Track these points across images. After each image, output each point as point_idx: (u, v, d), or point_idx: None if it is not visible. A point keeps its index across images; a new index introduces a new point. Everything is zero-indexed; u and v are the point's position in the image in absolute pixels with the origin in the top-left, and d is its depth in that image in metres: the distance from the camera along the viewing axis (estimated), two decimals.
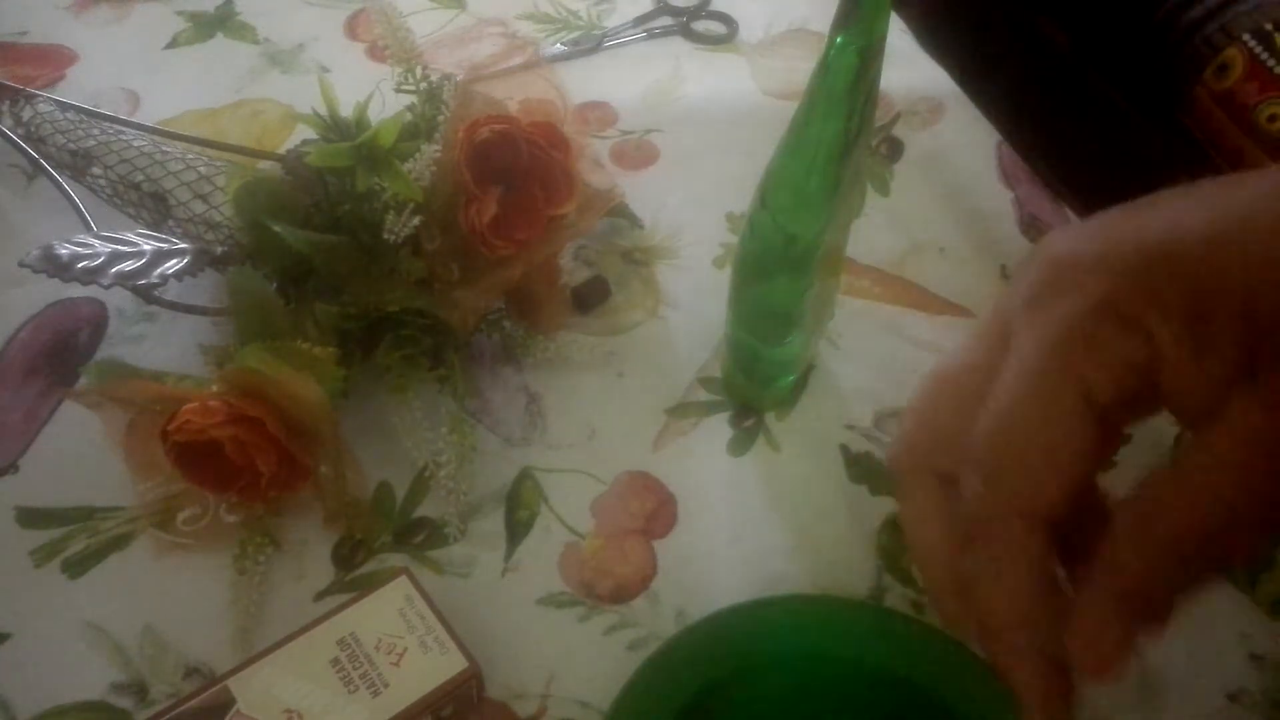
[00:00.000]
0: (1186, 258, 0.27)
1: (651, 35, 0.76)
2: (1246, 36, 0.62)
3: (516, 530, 0.50)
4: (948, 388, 0.33)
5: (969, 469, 0.30)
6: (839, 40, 0.40)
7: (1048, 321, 0.29)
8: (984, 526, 0.30)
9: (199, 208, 0.53)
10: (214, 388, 0.46)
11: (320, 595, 0.48)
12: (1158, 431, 0.33)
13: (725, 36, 0.76)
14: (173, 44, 0.74)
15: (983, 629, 0.31)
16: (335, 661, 0.43)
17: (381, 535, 0.50)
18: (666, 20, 0.77)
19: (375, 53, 0.74)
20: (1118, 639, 0.28)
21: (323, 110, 0.52)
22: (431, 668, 0.43)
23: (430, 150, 0.49)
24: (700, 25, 0.77)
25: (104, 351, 0.56)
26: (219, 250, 0.52)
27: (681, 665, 0.43)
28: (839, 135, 0.42)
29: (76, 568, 0.48)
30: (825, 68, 0.41)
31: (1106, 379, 0.28)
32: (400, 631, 0.44)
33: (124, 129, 0.59)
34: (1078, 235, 0.30)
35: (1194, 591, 0.28)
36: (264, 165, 0.58)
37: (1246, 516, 0.26)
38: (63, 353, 0.56)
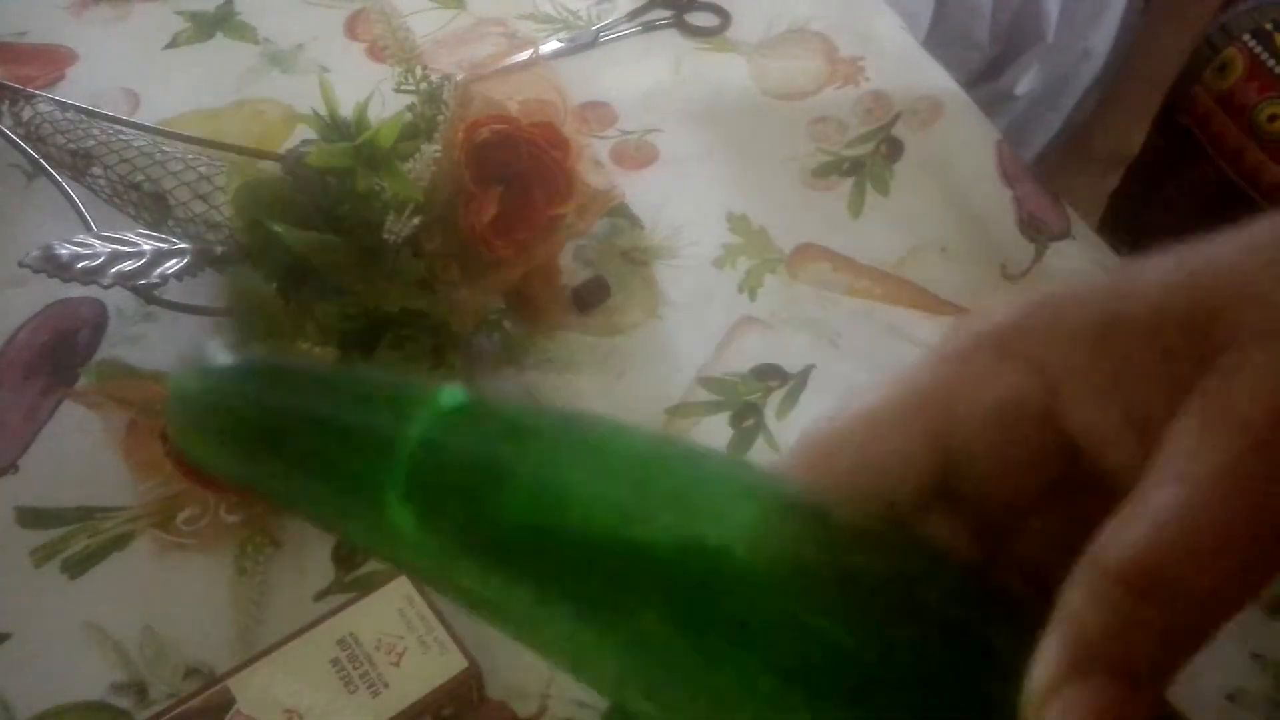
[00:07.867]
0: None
1: (646, 28, 0.76)
2: (1246, 36, 0.63)
3: None
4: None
5: None
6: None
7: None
8: None
9: (199, 208, 0.53)
10: None
11: (320, 595, 0.48)
12: None
13: (717, 28, 0.76)
14: (173, 44, 0.74)
15: None
16: (335, 661, 0.43)
17: None
18: (660, 13, 0.77)
19: (375, 53, 0.73)
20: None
21: (323, 110, 0.52)
22: (431, 667, 0.43)
23: (430, 150, 0.49)
24: (694, 17, 0.77)
25: (104, 351, 0.56)
26: (219, 250, 0.52)
27: None
28: None
29: (76, 568, 0.48)
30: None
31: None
32: (400, 631, 0.44)
33: (124, 129, 0.59)
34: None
35: (1192, 645, 0.20)
36: (264, 165, 0.58)
37: (1239, 534, 0.19)
38: (63, 353, 0.56)
